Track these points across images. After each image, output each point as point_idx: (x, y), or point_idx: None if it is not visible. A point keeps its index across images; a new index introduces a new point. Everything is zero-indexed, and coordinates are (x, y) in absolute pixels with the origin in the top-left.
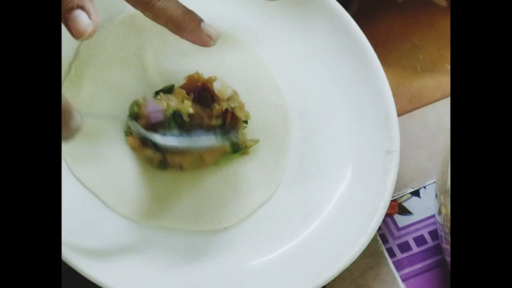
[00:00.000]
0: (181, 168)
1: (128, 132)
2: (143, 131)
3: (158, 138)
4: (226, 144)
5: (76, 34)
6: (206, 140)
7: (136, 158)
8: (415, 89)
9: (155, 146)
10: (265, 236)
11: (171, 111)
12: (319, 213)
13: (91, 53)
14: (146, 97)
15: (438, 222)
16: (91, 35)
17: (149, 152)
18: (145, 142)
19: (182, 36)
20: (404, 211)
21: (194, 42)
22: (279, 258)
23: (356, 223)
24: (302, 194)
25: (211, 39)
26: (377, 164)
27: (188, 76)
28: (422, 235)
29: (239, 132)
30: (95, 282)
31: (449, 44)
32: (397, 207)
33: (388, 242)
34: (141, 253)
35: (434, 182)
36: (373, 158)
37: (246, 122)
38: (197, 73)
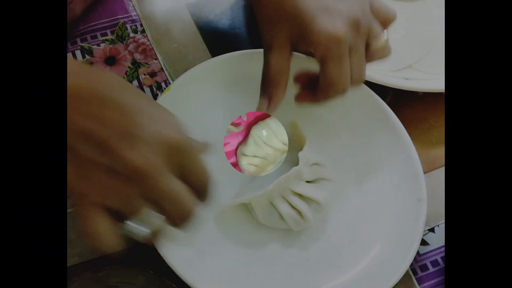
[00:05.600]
0: None
1: None
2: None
3: None
4: None
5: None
6: None
7: None
8: (431, 156)
9: None
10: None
11: None
12: (367, 251)
13: None
14: None
15: None
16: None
17: None
18: None
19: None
20: (424, 243)
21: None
22: None
23: (394, 260)
24: (347, 237)
25: None
26: (410, 210)
27: None
28: (436, 259)
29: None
30: (185, 281)
31: None
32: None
33: (412, 264)
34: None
35: (444, 222)
36: (405, 205)
37: None
38: None
